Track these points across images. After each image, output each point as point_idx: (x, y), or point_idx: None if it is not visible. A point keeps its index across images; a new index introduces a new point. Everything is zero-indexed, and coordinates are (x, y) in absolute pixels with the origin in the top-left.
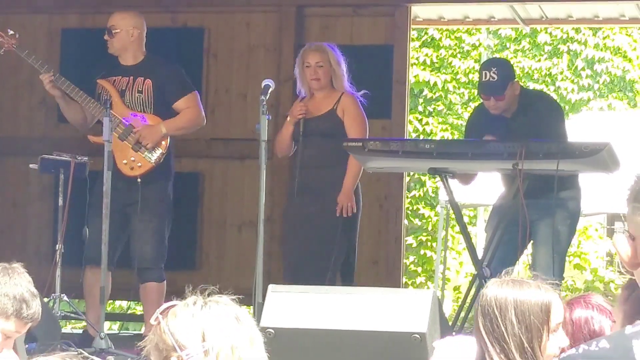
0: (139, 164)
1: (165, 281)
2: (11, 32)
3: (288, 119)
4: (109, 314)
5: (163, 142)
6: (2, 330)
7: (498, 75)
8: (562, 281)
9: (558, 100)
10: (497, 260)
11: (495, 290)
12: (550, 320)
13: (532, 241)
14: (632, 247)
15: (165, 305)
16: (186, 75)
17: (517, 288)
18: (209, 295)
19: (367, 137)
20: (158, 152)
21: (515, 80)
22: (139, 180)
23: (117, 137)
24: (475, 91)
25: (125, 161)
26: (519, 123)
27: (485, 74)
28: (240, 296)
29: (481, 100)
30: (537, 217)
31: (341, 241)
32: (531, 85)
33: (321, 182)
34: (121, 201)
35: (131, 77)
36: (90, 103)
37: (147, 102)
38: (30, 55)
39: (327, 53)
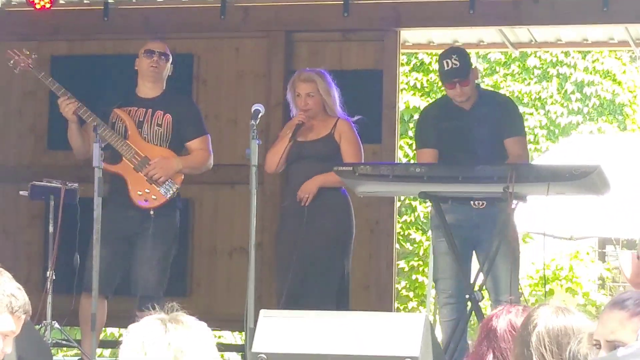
0: (154, 197)
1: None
2: (27, 51)
3: (286, 131)
4: (104, 341)
5: (179, 178)
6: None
7: (460, 61)
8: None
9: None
10: (456, 280)
11: (561, 319)
12: None
13: (480, 257)
14: (637, 266)
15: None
16: (202, 115)
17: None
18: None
19: (358, 162)
20: (174, 188)
21: (474, 67)
22: (152, 212)
23: (133, 168)
24: None
25: (140, 192)
26: (481, 113)
27: (447, 62)
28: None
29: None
30: (486, 233)
31: (337, 266)
32: (521, 109)
33: (327, 203)
34: (130, 230)
35: (150, 110)
36: (106, 131)
37: (165, 136)
38: (47, 77)
39: (317, 82)
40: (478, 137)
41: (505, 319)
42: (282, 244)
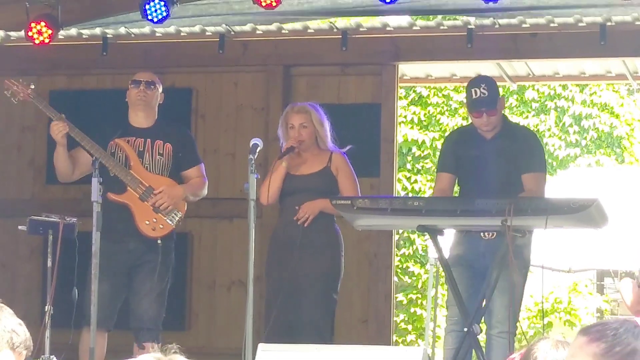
0: (161, 226)
1: (160, 344)
2: (25, 82)
3: (279, 162)
4: None
5: (183, 206)
6: None
7: (488, 90)
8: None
9: (546, 156)
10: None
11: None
12: None
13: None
14: (637, 294)
15: None
16: (196, 143)
17: None
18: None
19: (356, 195)
20: (179, 215)
21: (502, 96)
22: (159, 242)
23: (138, 197)
24: None
25: (147, 222)
26: (501, 145)
27: (476, 91)
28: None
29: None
30: (491, 264)
31: (331, 300)
32: None
33: (319, 238)
34: (130, 262)
35: (148, 140)
36: (110, 161)
37: (166, 165)
38: (48, 107)
39: (310, 113)
40: (494, 168)
41: None
42: (273, 273)
